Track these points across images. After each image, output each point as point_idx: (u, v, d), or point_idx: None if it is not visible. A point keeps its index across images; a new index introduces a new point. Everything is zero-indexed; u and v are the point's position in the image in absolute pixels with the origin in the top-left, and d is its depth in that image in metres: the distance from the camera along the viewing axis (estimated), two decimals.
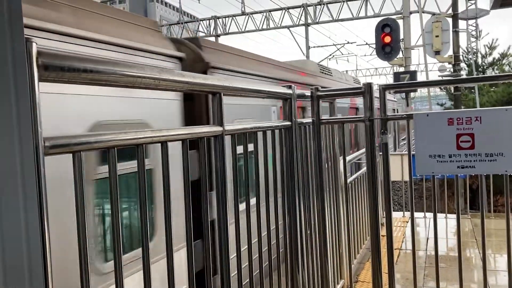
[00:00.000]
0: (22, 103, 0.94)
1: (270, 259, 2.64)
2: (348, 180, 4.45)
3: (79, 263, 1.26)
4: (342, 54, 39.22)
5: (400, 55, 14.86)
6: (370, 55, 40.20)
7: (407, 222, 8.02)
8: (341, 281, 4.66)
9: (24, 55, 0.94)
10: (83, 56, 1.27)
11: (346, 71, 47.26)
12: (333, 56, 36.35)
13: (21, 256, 0.92)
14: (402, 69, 15.82)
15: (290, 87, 2.93)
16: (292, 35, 27.73)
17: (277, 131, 2.80)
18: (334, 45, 35.33)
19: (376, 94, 3.19)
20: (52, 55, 1.12)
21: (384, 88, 3.20)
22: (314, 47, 32.76)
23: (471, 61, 19.07)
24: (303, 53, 27.82)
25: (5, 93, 0.91)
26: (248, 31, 27.16)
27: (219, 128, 2.06)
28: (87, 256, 1.27)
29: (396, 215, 8.46)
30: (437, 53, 14.14)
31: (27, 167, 0.93)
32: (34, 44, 1.06)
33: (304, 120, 3.19)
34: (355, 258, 5.31)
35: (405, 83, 9.25)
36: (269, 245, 2.63)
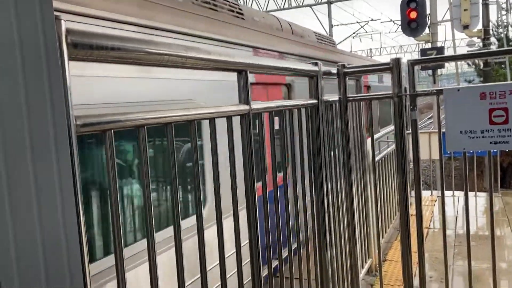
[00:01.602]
0: (54, 82, 0.94)
1: (299, 238, 2.64)
2: (376, 159, 4.39)
3: (113, 241, 1.28)
4: (366, 32, 38.39)
5: (427, 31, 14.45)
6: (395, 32, 39.30)
7: (435, 201, 7.90)
8: (369, 260, 4.65)
9: (54, 33, 0.94)
10: (111, 34, 1.27)
11: (370, 49, 46.32)
12: (357, 34, 35.63)
13: (58, 234, 0.94)
14: (428, 46, 15.40)
15: (316, 64, 2.88)
16: (315, 13, 27.28)
17: (303, 110, 2.77)
18: (357, 22, 34.61)
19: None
20: (81, 33, 1.12)
21: (413, 63, 3.11)
22: (337, 25, 32.18)
23: (502, 34, 18.42)
24: (326, 32, 27.36)
25: (38, 73, 0.91)
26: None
27: (246, 107, 2.04)
28: (121, 233, 1.28)
29: (424, 194, 8.35)
30: (465, 27, 13.69)
31: (61, 146, 0.94)
32: (63, 22, 1.06)
33: (331, 98, 3.14)
34: (382, 237, 5.28)
35: (434, 57, 9.00)
36: (297, 224, 2.63)
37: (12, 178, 0.85)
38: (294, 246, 2.59)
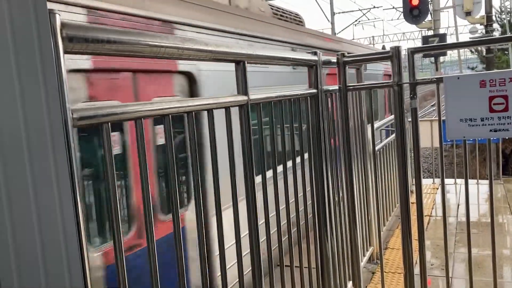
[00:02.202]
0: (48, 76, 0.94)
1: (298, 226, 2.65)
2: (377, 148, 4.39)
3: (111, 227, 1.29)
4: (368, 20, 38.12)
5: (429, 17, 14.34)
6: (398, 19, 39.04)
7: (437, 189, 7.91)
8: (370, 248, 4.67)
9: (48, 27, 0.94)
10: (106, 27, 1.27)
11: (373, 37, 46.00)
12: (359, 21, 35.39)
13: (56, 230, 0.95)
14: (430, 33, 15.29)
15: (315, 53, 2.87)
16: (316, 1, 27.09)
17: (302, 99, 2.77)
18: (359, 10, 34.37)
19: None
20: (76, 27, 1.12)
21: (413, 52, 3.10)
22: (339, 13, 31.95)
23: (505, 21, 18.25)
24: (328, 20, 27.20)
25: (32, 67, 0.91)
26: None
27: (244, 98, 2.05)
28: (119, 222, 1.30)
29: (425, 182, 8.35)
30: (468, 14, 13.57)
31: (57, 139, 0.95)
32: (57, 16, 1.06)
33: (331, 87, 3.14)
34: (384, 225, 5.30)
35: (435, 45, 8.95)
36: (297, 213, 2.64)
37: (8, 174, 0.86)
38: (293, 235, 2.61)
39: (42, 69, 0.93)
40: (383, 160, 5.21)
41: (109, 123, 1.28)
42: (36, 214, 0.91)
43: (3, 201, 0.85)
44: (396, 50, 3.06)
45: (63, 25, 1.09)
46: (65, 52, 1.10)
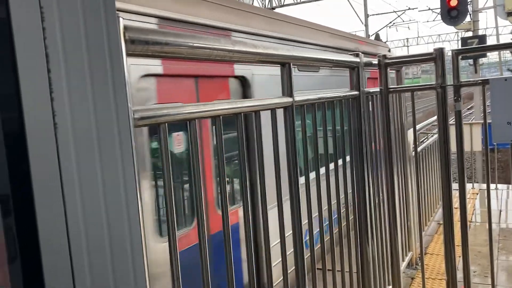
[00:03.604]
0: (117, 78, 0.98)
1: (340, 229, 2.64)
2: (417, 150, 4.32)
3: (167, 226, 1.33)
4: (403, 22, 37.50)
5: (468, 18, 13.98)
6: (433, 21, 38.23)
7: (477, 194, 7.70)
8: (409, 253, 4.59)
9: (117, 31, 0.98)
10: (165, 30, 1.31)
11: (407, 39, 45.20)
12: (393, 23, 34.86)
13: (123, 230, 0.98)
14: (469, 34, 14.89)
15: (357, 55, 2.86)
16: (350, 3, 26.85)
17: (344, 101, 2.76)
18: (394, 12, 33.85)
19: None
20: (138, 30, 1.16)
21: (457, 53, 3.04)
22: (373, 15, 31.58)
23: None
24: (362, 22, 26.91)
25: (102, 68, 0.95)
26: (303, 2, 26.57)
27: (289, 99, 2.06)
28: (174, 221, 1.33)
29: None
30: (509, 14, 13.16)
31: (124, 139, 0.98)
32: (121, 19, 1.10)
33: (372, 90, 3.11)
34: (423, 231, 5.20)
35: (481, 46, 8.72)
36: (338, 216, 2.63)
37: (81, 174, 0.90)
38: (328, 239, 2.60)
39: (111, 70, 0.97)
40: (422, 164, 5.12)
41: (166, 124, 1.31)
42: (105, 217, 0.95)
43: (77, 197, 0.89)
44: (440, 51, 3.01)
45: (126, 28, 1.13)
46: (127, 54, 1.14)
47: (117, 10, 1.00)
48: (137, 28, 1.16)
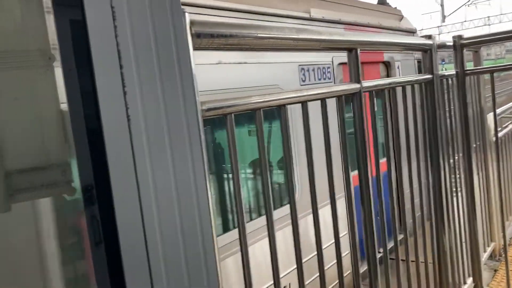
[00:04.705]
0: (184, 71, 1.02)
1: (414, 218, 2.56)
2: (499, 135, 4.05)
3: (237, 220, 1.36)
4: None
5: None
6: None
7: None
8: (491, 244, 4.34)
9: (183, 26, 1.02)
10: (228, 23, 1.33)
11: (488, 17, 42.23)
12: (472, 1, 32.68)
13: (192, 207, 1.03)
14: None
15: (429, 37, 2.73)
16: None
17: (417, 86, 2.65)
18: None
19: None
20: (203, 23, 1.19)
21: None
22: None
23: None
24: (436, 1, 25.50)
25: (170, 63, 1.00)
26: None
27: (357, 85, 2.01)
28: (243, 213, 1.36)
29: None
30: None
31: (192, 130, 1.02)
32: (187, 15, 1.14)
33: (446, 73, 2.96)
34: (507, 220, 4.88)
35: None
36: (412, 204, 2.55)
37: (153, 163, 0.95)
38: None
39: (178, 65, 1.01)
40: (505, 150, 4.80)
41: (233, 114, 1.34)
42: (178, 210, 0.99)
43: (150, 184, 0.94)
44: None
45: (192, 22, 1.16)
46: (194, 48, 1.17)
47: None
48: (202, 22, 1.20)
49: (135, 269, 0.94)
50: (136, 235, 0.94)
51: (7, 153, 0.90)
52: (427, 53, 2.75)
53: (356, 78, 2.02)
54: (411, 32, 6.95)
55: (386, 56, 6.20)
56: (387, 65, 6.44)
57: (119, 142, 0.90)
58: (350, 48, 1.98)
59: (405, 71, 7.03)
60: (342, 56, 4.13)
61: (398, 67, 6.43)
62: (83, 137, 0.94)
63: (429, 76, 2.72)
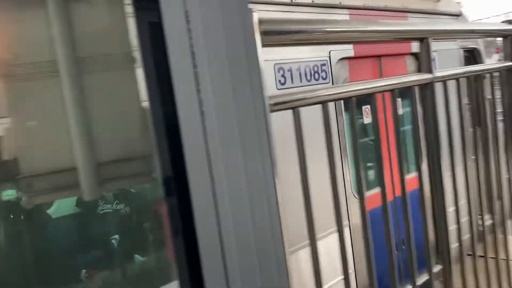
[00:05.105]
0: (253, 69, 1.08)
1: (493, 214, 2.44)
2: None
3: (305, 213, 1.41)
4: None
5: None
6: None
7: None
8: None
9: (251, 25, 1.07)
10: (294, 19, 1.37)
11: None
12: None
13: (261, 201, 1.08)
14: None
15: (510, 22, 2.57)
16: None
17: (496, 75, 2.51)
18: None
19: None
20: (271, 21, 1.24)
21: None
22: None
23: None
24: None
25: (240, 62, 1.05)
26: None
27: (429, 76, 1.97)
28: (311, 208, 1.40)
29: None
30: None
31: (261, 124, 1.08)
32: (254, 14, 1.19)
33: None
34: None
35: None
36: (490, 199, 2.43)
37: (225, 156, 1.01)
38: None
39: (248, 63, 1.06)
40: None
41: (299, 108, 1.38)
42: (250, 208, 1.05)
43: (222, 177, 1.01)
44: None
45: (260, 21, 1.21)
46: (263, 45, 1.23)
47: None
48: (270, 20, 1.24)
49: (211, 256, 1.01)
50: (211, 223, 1.01)
51: (97, 146, 1.01)
52: (507, 38, 2.60)
53: (427, 68, 1.98)
54: (455, 15, 5.81)
55: (415, 47, 4.65)
56: (417, 57, 4.86)
57: (194, 136, 0.97)
58: (422, 38, 1.94)
59: (444, 64, 5.40)
60: (347, 50, 3.63)
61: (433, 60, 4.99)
62: (162, 131, 1.03)
63: (510, 63, 2.57)
